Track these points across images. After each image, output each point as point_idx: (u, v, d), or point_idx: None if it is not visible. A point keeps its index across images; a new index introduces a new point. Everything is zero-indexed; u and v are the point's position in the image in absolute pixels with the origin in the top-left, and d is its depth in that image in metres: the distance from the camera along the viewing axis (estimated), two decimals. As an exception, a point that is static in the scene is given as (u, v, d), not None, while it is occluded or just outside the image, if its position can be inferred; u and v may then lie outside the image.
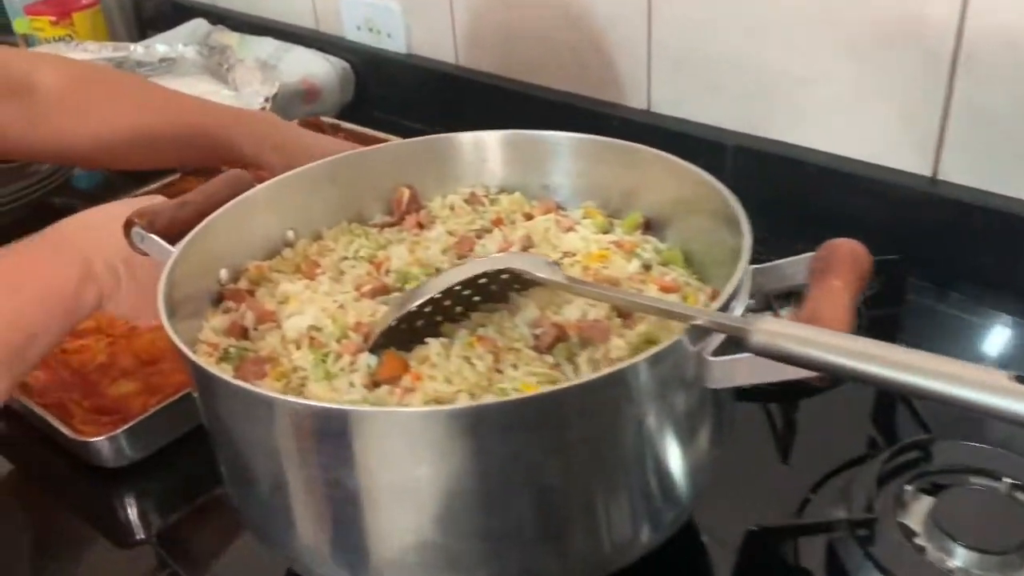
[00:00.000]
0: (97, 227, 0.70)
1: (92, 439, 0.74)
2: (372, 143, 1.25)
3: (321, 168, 0.74)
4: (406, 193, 0.77)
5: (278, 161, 0.96)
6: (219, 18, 1.58)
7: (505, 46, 1.25)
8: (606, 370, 0.48)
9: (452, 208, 0.77)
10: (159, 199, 0.72)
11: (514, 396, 0.50)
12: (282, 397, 0.50)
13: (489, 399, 0.52)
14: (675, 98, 1.10)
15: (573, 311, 0.58)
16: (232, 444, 0.57)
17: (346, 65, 1.43)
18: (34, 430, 0.80)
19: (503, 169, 0.78)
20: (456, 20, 1.29)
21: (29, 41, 1.60)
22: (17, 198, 1.14)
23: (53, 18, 1.55)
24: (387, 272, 0.70)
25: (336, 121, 1.27)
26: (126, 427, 0.75)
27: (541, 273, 0.56)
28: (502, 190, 0.79)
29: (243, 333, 0.64)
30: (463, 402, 0.52)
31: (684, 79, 1.08)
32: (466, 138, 0.77)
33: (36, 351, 0.64)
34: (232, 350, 0.61)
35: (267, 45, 1.45)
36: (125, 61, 1.34)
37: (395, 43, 1.39)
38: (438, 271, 0.69)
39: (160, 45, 1.41)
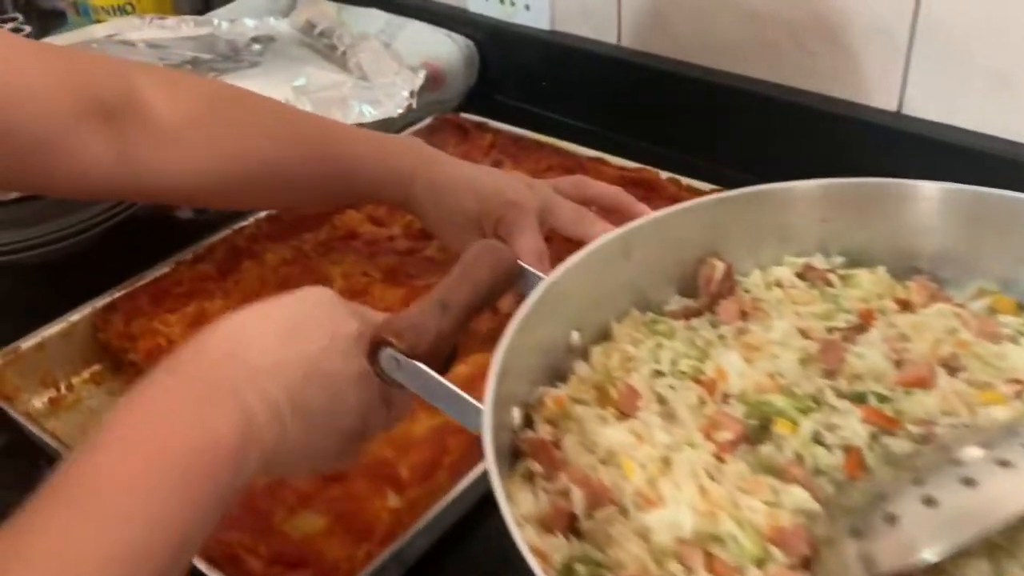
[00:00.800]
0: (254, 346, 0.47)
1: (290, 621, 0.53)
2: (528, 149, 1.02)
3: (615, 243, 0.52)
4: (719, 267, 0.54)
5: (431, 203, 0.74)
6: (304, -17, 1.33)
7: (691, 23, 1.01)
8: None
9: (779, 285, 0.55)
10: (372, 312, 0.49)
11: None
12: None
13: None
14: (943, 97, 0.86)
15: None
16: None
17: (470, 43, 1.18)
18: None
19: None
20: (623, -12, 1.05)
21: (81, 11, 1.35)
22: (95, 224, 0.90)
23: (109, -16, 1.30)
24: (726, 398, 0.48)
25: (481, 119, 1.03)
26: (336, 604, 0.53)
27: None
28: (849, 259, 0.56)
29: (571, 522, 0.42)
30: None
31: (959, 71, 0.84)
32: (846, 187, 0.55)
33: (189, 552, 0.42)
34: (580, 569, 0.39)
35: (375, 19, 1.20)
36: (213, 41, 1.10)
37: (535, 16, 1.14)
38: (817, 403, 0.47)
39: (248, 19, 1.17)
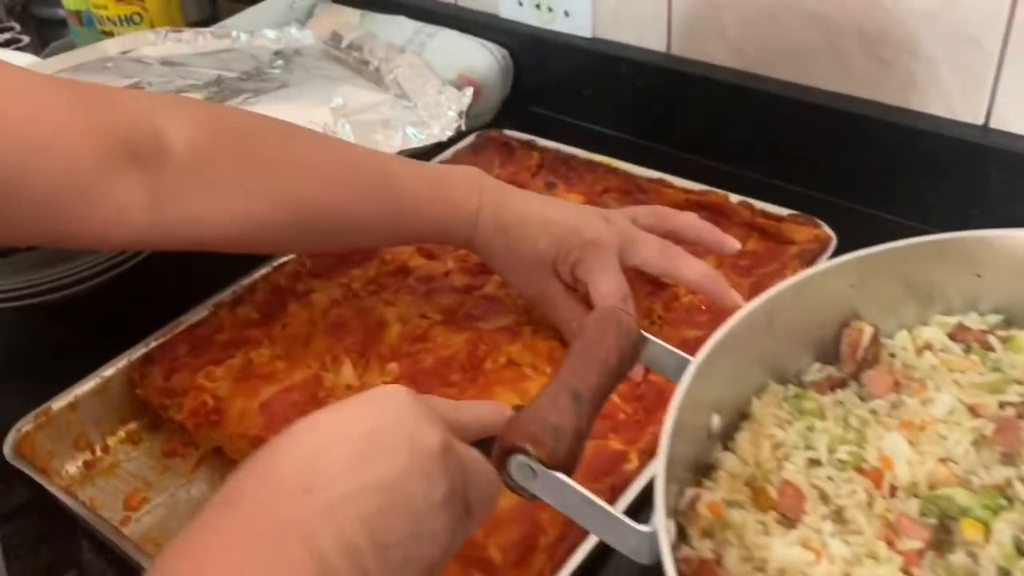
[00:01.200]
0: (326, 472, 0.39)
1: None
2: (579, 170, 0.94)
3: (758, 314, 0.45)
4: (866, 332, 0.48)
5: (500, 245, 0.68)
6: (321, -13, 1.25)
7: (750, 29, 0.94)
8: None
9: (929, 349, 0.49)
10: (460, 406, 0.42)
11: None
12: None
13: None
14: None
15: None
16: None
17: (506, 53, 1.11)
18: None
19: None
20: (672, -7, 0.98)
21: (84, 20, 1.27)
22: (118, 263, 0.82)
23: (118, -10, 1.22)
24: (893, 491, 0.42)
25: (528, 136, 0.96)
26: None
27: None
28: (1004, 318, 0.50)
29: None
30: None
31: (1056, 85, 0.78)
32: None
33: None
34: None
35: (402, 27, 1.13)
36: (234, 56, 1.02)
37: (575, 23, 1.08)
38: (1008, 500, 0.41)
39: (269, 31, 1.10)
